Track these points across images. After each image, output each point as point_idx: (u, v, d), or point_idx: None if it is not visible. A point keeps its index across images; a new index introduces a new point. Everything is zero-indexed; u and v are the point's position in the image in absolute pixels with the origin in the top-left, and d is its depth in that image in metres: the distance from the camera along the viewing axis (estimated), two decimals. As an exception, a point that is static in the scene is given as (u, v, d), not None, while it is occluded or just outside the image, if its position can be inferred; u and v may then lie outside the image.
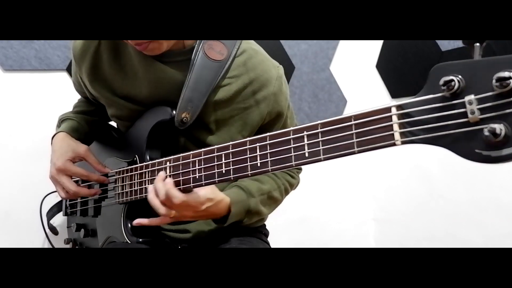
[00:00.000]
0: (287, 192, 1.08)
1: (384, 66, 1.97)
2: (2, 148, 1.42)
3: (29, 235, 1.40)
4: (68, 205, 1.26)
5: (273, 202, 1.04)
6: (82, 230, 1.15)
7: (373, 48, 1.99)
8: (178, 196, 0.82)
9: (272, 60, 1.03)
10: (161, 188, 0.84)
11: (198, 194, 0.86)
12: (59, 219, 1.38)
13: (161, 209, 0.84)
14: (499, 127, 0.46)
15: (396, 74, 1.91)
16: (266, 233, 1.14)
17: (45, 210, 1.30)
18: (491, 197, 1.57)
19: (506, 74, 0.46)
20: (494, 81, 0.47)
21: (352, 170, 2.04)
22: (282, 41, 1.84)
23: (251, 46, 1.01)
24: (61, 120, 1.14)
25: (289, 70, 1.85)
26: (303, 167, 1.12)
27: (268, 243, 1.09)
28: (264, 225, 1.14)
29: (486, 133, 0.47)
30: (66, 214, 1.28)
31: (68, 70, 1.48)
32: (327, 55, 1.96)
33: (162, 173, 0.86)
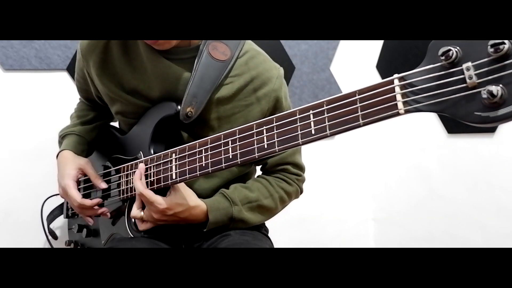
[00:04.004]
0: (283, 200, 1.06)
1: (384, 66, 1.97)
2: (2, 148, 1.41)
3: (29, 235, 1.40)
4: (69, 207, 1.26)
5: (265, 210, 1.04)
6: (85, 230, 1.15)
7: (373, 48, 1.99)
8: (138, 186, 0.89)
9: (273, 61, 1.06)
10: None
11: (167, 198, 0.90)
12: (58, 223, 1.38)
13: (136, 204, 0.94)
14: (496, 89, 0.49)
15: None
16: (266, 229, 1.15)
17: (45, 212, 1.30)
18: (491, 197, 1.57)
19: (499, 39, 0.49)
20: (489, 47, 0.50)
21: (351, 170, 2.05)
22: (282, 41, 1.84)
23: (253, 47, 1.05)
24: (62, 137, 1.14)
25: (289, 70, 1.85)
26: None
27: (269, 238, 1.10)
28: (264, 223, 1.14)
29: (484, 95, 0.50)
30: (67, 216, 1.27)
31: (68, 69, 1.48)
32: (327, 55, 1.96)
33: (141, 165, 0.93)
